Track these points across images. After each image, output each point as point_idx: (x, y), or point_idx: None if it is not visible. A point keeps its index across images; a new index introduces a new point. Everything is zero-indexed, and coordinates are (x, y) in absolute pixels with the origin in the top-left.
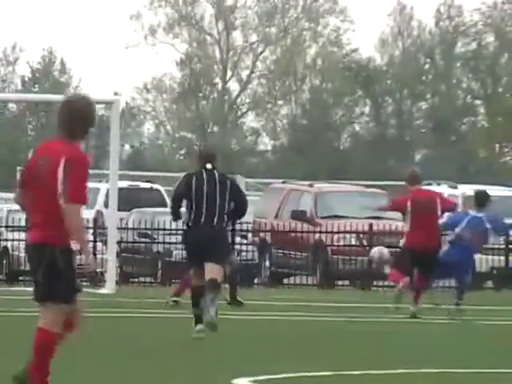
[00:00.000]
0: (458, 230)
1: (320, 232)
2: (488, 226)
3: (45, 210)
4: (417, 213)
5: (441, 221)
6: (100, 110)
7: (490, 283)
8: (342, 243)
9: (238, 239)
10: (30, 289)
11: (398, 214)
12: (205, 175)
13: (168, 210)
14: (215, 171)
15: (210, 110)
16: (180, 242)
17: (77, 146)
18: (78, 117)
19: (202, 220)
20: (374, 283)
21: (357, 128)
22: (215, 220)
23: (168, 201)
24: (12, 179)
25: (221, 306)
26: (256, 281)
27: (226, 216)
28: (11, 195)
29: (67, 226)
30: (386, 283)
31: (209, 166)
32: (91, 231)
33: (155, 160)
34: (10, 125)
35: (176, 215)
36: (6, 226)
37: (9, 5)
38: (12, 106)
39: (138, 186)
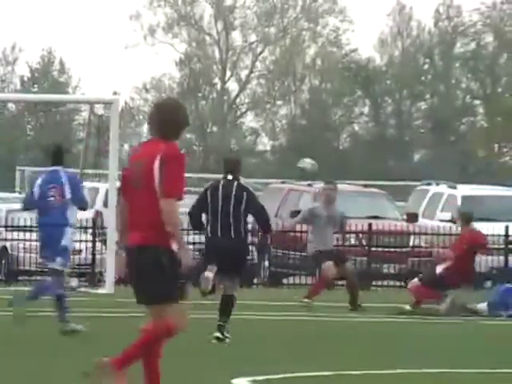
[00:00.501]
0: None
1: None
2: None
3: (146, 212)
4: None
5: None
6: (99, 109)
7: (489, 283)
8: (341, 243)
9: None
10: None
11: (397, 214)
12: (221, 187)
13: None
14: (234, 182)
15: (209, 110)
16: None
17: (172, 143)
18: (170, 120)
19: (219, 233)
20: (373, 283)
21: (356, 128)
22: (232, 233)
23: None
24: (11, 179)
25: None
26: (255, 281)
27: (244, 228)
28: (10, 195)
29: (163, 220)
30: (384, 283)
31: (229, 176)
32: (90, 231)
33: None
34: (9, 125)
35: (196, 227)
36: (6, 226)
37: (8, 5)
38: (11, 106)
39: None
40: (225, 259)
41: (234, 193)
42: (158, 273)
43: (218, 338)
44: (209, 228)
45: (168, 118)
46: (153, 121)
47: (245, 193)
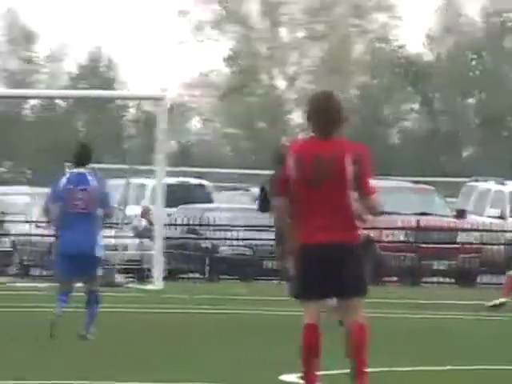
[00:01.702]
0: None
1: (368, 228)
2: None
3: (338, 210)
4: None
5: None
6: (147, 106)
7: None
8: (390, 239)
9: None
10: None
11: (447, 210)
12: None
13: (216, 205)
14: None
15: (257, 107)
16: (227, 238)
17: (350, 141)
18: (339, 115)
19: None
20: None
21: (406, 124)
22: None
23: (214, 197)
24: (61, 176)
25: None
26: None
27: None
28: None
29: (372, 215)
30: (434, 279)
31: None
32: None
33: (202, 156)
34: (59, 122)
35: (264, 209)
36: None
37: (56, 2)
38: (60, 103)
39: (186, 182)
40: None
41: None
42: (359, 267)
43: None
44: None
45: (343, 115)
46: (324, 118)
47: None
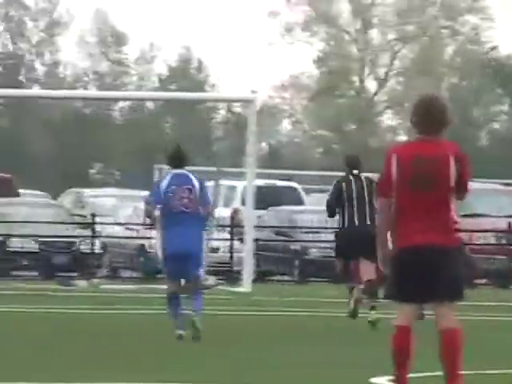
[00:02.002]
0: None
1: (459, 230)
2: None
3: (438, 211)
4: None
5: None
6: (237, 108)
7: None
8: (481, 242)
9: None
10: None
11: None
12: (353, 180)
13: (305, 207)
14: (361, 176)
15: (347, 108)
16: (316, 241)
17: (452, 142)
18: (448, 119)
19: (357, 221)
20: None
21: (496, 126)
22: (367, 219)
23: (305, 199)
24: (149, 178)
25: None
26: None
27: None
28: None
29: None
30: None
31: (355, 171)
32: (228, 229)
33: (292, 158)
34: (148, 123)
35: (332, 215)
36: (143, 224)
37: (146, 3)
38: (150, 105)
39: (275, 184)
40: (362, 244)
41: (365, 184)
42: (457, 271)
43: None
44: (346, 218)
45: (448, 116)
46: (429, 120)
47: (373, 183)
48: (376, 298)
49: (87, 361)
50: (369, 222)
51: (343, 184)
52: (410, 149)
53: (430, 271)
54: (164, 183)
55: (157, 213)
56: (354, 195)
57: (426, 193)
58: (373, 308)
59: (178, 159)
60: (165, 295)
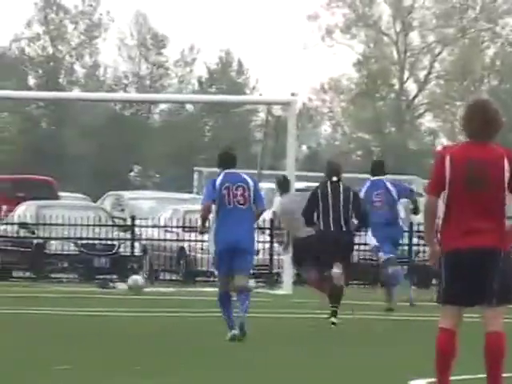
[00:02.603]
0: None
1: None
2: None
3: (490, 213)
4: None
5: None
6: (277, 110)
7: None
8: None
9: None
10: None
11: None
12: (329, 187)
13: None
14: (340, 183)
15: (387, 111)
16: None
17: (504, 147)
18: (497, 120)
19: (332, 226)
20: None
21: None
22: (343, 225)
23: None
24: (189, 180)
25: None
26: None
27: (352, 222)
28: (188, 196)
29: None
30: None
31: (334, 178)
32: (268, 232)
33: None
34: (188, 126)
35: (309, 223)
36: (183, 227)
37: (186, 5)
38: (190, 107)
39: (313, 187)
40: (334, 248)
41: (342, 192)
42: (507, 276)
43: (333, 323)
44: (321, 222)
45: (500, 121)
46: (480, 123)
47: (351, 192)
48: (338, 304)
49: (130, 362)
50: (344, 229)
51: (319, 191)
52: (464, 151)
53: (482, 274)
54: (218, 181)
55: (209, 209)
56: (330, 202)
57: (479, 195)
58: (334, 314)
59: (229, 160)
60: (205, 298)
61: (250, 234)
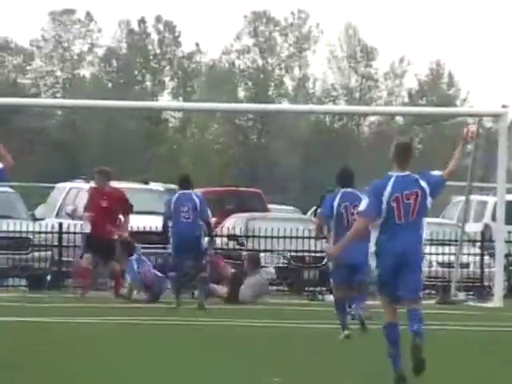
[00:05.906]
0: None
1: None
2: None
3: None
4: None
5: None
6: (487, 122)
7: None
8: None
9: None
10: None
11: None
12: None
13: None
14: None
15: None
16: None
17: None
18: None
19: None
20: None
21: None
22: None
23: None
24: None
25: None
26: None
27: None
28: None
29: None
30: None
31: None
32: (479, 245)
33: None
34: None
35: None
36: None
37: (396, 17)
38: (399, 119)
39: None
40: None
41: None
42: None
43: None
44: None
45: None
46: None
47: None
48: None
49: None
50: None
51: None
52: None
53: None
54: (336, 200)
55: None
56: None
57: None
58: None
59: (346, 179)
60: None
61: (363, 250)
